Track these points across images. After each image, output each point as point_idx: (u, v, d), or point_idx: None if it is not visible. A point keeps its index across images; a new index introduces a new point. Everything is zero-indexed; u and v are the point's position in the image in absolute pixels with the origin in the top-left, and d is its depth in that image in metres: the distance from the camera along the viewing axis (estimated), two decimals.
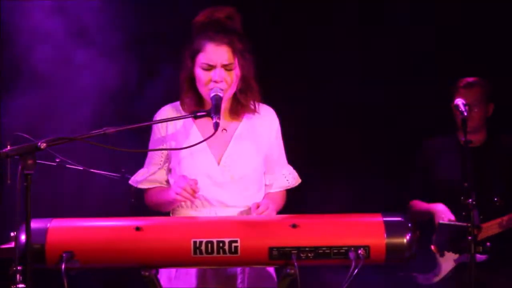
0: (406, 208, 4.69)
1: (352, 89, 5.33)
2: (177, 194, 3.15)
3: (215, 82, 3.19)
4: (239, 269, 3.21)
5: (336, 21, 5.38)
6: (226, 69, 3.21)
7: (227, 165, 3.26)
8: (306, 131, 5.31)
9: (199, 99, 3.29)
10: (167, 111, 3.35)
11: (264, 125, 3.35)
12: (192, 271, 3.21)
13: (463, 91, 4.57)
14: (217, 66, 3.20)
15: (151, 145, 3.39)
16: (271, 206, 3.20)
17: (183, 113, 3.28)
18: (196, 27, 3.28)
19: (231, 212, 3.24)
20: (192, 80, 3.27)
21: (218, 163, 3.26)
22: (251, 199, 3.27)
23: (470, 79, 4.65)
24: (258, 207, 3.18)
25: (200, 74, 3.23)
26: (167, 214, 3.32)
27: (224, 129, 3.27)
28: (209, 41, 3.21)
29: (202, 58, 3.22)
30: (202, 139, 3.17)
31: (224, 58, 3.20)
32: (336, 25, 5.38)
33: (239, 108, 3.31)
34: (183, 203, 3.26)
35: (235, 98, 3.31)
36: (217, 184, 3.25)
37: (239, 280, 3.21)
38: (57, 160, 4.79)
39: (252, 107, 3.32)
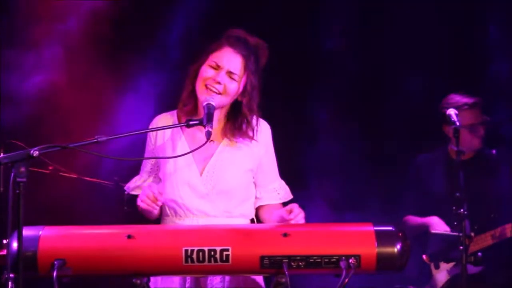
0: (400, 222, 4.69)
1: (350, 101, 5.36)
2: (141, 201, 3.16)
3: (215, 81, 3.21)
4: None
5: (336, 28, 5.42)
6: (230, 77, 3.25)
7: (210, 176, 3.26)
8: (304, 144, 5.32)
9: (195, 106, 3.30)
10: (160, 120, 3.37)
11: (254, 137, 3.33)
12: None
13: (466, 113, 4.52)
14: (223, 69, 3.24)
15: (145, 154, 3.41)
16: (302, 214, 3.13)
17: (176, 122, 3.29)
18: (225, 35, 3.33)
19: (213, 222, 3.23)
20: (196, 78, 3.29)
21: (201, 174, 3.27)
22: (233, 210, 3.28)
23: (469, 100, 4.58)
24: (290, 212, 3.11)
25: (205, 70, 3.27)
26: (158, 222, 3.33)
27: (212, 141, 3.25)
28: (228, 45, 3.28)
29: (214, 57, 3.27)
30: (189, 150, 3.19)
31: (233, 66, 3.25)
32: (337, 30, 5.41)
33: (235, 132, 3.30)
34: (168, 212, 3.28)
35: (232, 117, 3.31)
36: (199, 195, 3.25)
37: (218, 279, 3.21)
38: (50, 168, 4.79)
39: (251, 134, 3.31)
